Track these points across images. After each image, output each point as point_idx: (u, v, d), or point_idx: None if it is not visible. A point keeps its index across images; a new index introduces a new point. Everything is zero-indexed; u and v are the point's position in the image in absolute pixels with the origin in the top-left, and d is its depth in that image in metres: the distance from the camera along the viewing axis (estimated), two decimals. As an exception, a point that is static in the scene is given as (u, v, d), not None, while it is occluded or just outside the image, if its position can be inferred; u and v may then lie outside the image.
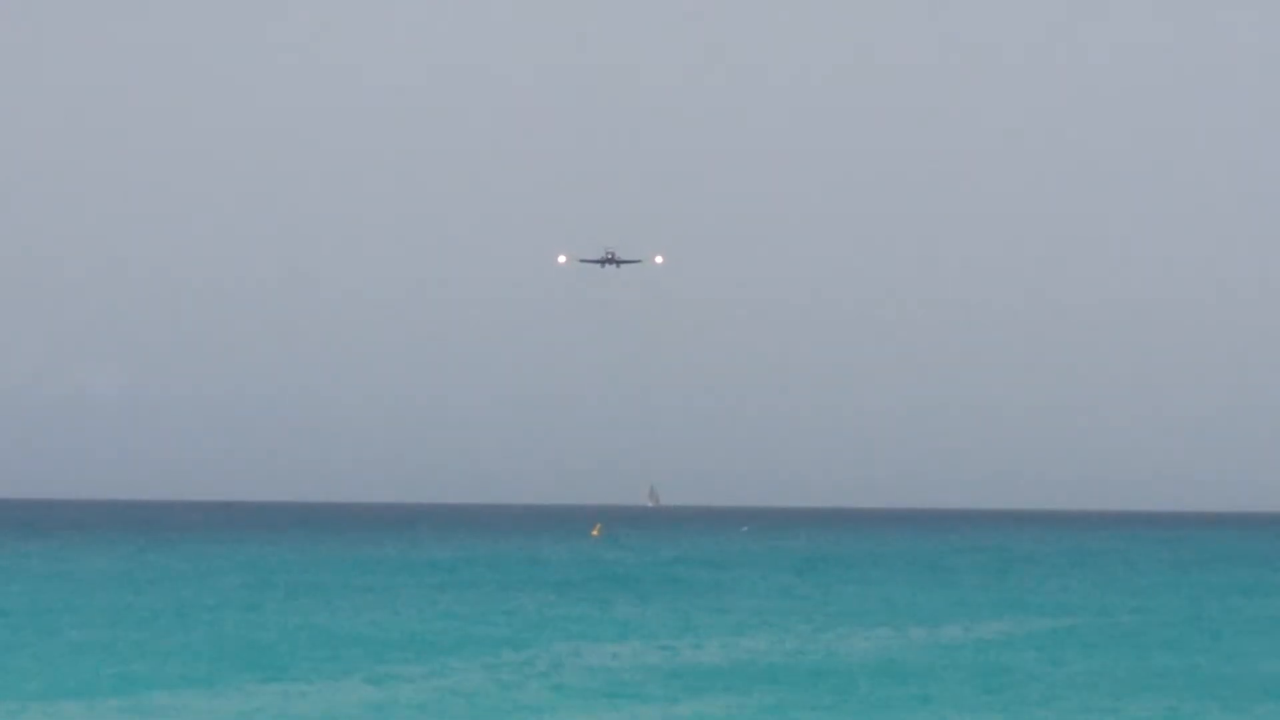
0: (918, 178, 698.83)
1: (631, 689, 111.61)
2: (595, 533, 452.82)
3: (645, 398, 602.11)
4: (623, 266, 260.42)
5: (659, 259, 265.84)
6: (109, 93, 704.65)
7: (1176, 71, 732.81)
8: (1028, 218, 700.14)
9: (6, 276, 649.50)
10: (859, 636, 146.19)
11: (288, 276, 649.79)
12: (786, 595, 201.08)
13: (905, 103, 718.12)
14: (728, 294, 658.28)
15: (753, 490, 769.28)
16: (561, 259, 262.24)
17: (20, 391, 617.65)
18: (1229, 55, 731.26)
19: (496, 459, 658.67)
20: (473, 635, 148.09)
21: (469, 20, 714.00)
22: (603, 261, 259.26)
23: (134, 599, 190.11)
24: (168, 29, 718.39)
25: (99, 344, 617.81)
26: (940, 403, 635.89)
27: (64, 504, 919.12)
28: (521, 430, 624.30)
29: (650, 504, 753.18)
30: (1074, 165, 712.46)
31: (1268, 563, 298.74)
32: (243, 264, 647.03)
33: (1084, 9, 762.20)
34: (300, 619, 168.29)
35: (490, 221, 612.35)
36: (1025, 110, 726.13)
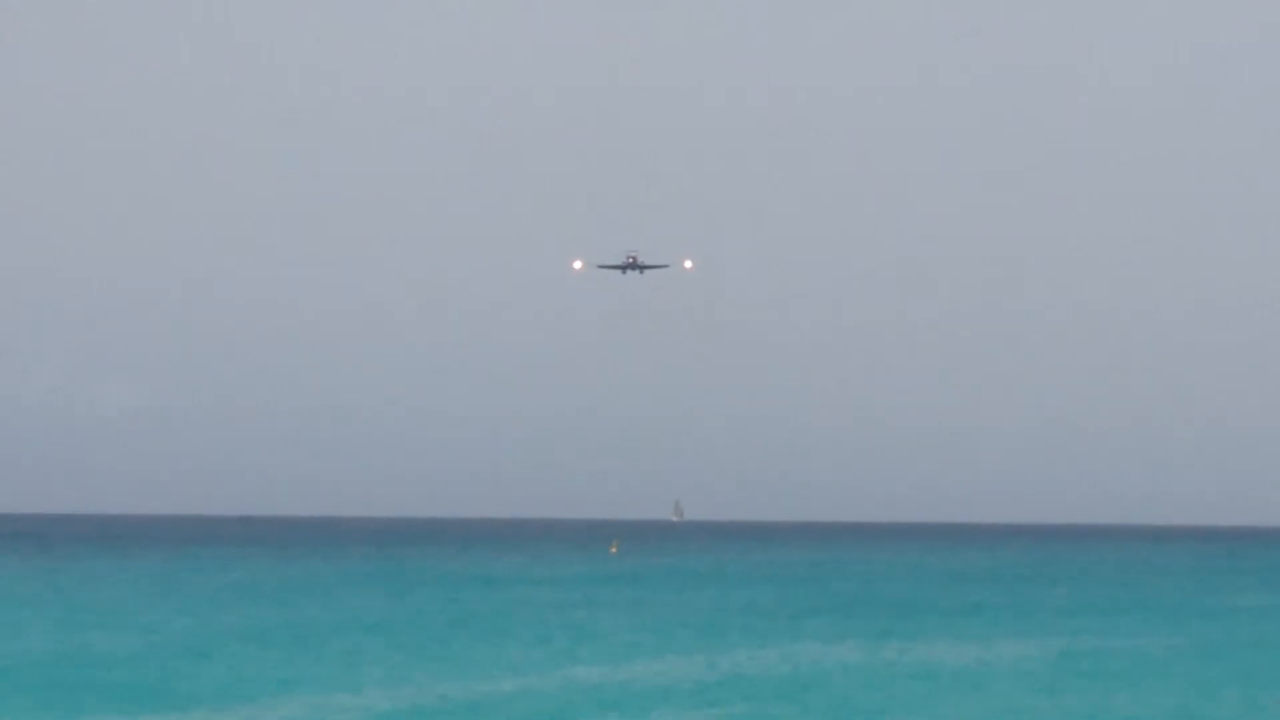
0: (948, 198, 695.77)
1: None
2: (613, 549, 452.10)
3: (671, 412, 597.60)
4: (646, 272, 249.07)
5: (688, 264, 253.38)
6: (129, 115, 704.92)
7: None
8: (1049, 237, 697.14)
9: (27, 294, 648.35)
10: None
11: (305, 291, 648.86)
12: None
13: (939, 124, 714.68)
14: (758, 307, 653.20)
15: (777, 505, 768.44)
16: (577, 265, 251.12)
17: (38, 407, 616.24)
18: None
19: (522, 473, 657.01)
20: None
21: (488, 37, 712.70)
22: (624, 267, 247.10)
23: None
24: (202, 51, 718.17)
25: (120, 361, 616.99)
26: (968, 419, 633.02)
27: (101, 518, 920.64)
28: (546, 445, 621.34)
29: (675, 519, 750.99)
30: (1100, 189, 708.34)
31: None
32: (265, 280, 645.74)
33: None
34: (294, 615, 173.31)
35: (510, 232, 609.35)
36: (1047, 136, 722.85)
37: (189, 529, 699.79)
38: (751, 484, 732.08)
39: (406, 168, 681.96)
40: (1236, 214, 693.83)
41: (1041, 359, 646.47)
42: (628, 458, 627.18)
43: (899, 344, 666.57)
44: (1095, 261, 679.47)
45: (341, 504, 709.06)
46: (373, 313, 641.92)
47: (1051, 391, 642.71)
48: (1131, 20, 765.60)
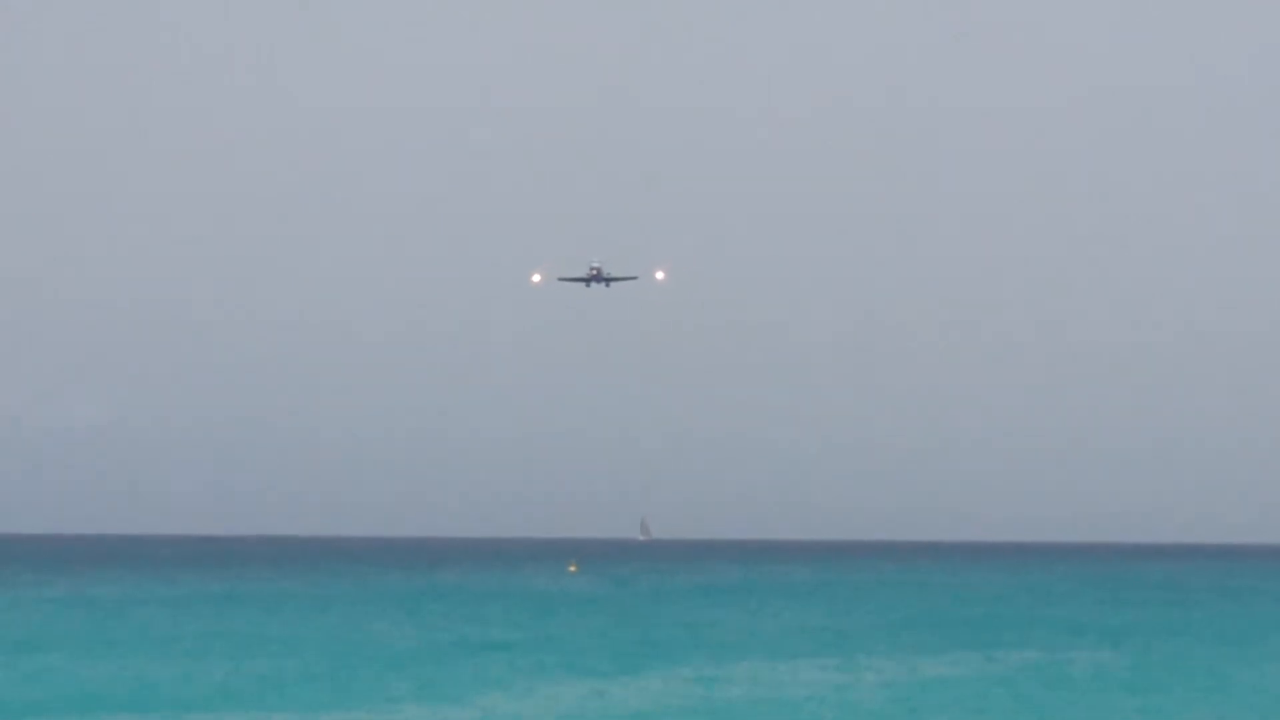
0: (919, 214, 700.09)
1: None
2: (572, 568, 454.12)
3: (638, 431, 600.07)
4: (613, 285, 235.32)
5: (660, 274, 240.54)
6: (117, 130, 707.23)
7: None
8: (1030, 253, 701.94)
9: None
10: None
11: (275, 310, 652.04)
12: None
13: (927, 145, 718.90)
14: (725, 319, 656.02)
15: (744, 524, 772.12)
16: (536, 278, 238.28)
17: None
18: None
19: (490, 493, 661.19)
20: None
21: (452, 58, 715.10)
22: (588, 280, 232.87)
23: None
24: (183, 73, 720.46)
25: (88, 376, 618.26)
26: (936, 437, 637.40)
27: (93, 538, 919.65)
28: (515, 464, 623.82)
29: (642, 538, 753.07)
30: (1081, 211, 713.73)
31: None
32: (241, 301, 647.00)
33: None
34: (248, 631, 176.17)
35: (475, 248, 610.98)
36: (1049, 157, 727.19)
37: (143, 547, 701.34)
38: (719, 503, 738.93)
39: (377, 188, 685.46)
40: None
41: (1006, 376, 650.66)
42: (595, 476, 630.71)
43: (867, 362, 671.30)
44: (1070, 280, 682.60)
45: (306, 523, 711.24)
46: (339, 334, 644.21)
47: (1016, 408, 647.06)
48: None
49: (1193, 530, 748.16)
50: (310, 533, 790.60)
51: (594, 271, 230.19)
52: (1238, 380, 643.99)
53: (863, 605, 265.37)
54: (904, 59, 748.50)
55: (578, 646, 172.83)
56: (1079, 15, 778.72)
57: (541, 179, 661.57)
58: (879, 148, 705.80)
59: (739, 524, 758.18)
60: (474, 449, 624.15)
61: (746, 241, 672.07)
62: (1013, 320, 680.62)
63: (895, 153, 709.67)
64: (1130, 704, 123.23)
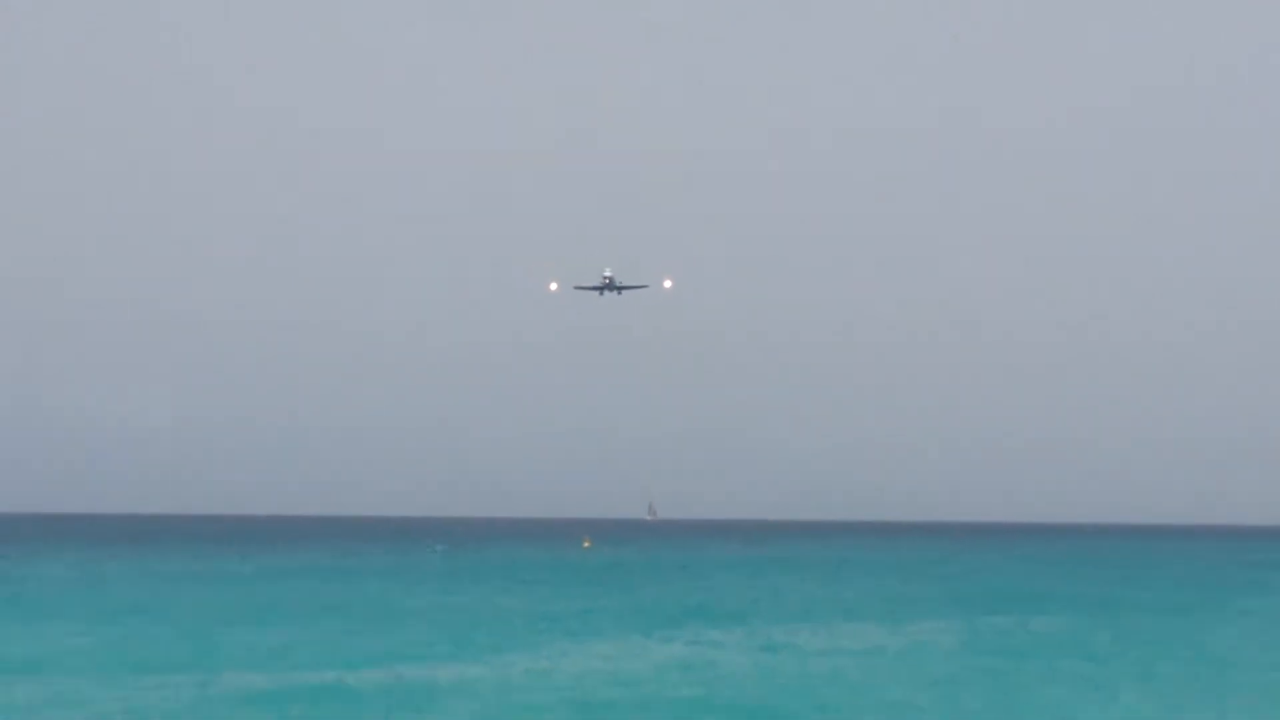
0: (905, 222, 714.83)
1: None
2: (586, 544, 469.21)
3: (645, 423, 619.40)
4: (624, 293, 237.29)
5: (668, 283, 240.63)
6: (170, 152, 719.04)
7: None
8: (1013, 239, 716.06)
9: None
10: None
11: (325, 314, 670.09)
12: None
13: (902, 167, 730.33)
14: (728, 322, 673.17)
15: (741, 506, 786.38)
16: (553, 286, 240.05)
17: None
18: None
19: (515, 478, 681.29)
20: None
21: (480, 95, 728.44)
22: (601, 288, 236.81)
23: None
24: (254, 96, 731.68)
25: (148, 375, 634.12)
26: (919, 430, 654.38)
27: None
28: (536, 452, 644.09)
29: (649, 518, 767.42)
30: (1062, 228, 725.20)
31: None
32: (283, 308, 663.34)
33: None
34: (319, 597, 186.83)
35: (500, 260, 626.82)
36: (1046, 166, 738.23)
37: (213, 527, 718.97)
38: (718, 487, 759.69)
39: (408, 209, 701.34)
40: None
41: (994, 373, 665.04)
42: (607, 463, 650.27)
43: (853, 360, 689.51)
44: (1055, 285, 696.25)
45: (349, 504, 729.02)
46: (374, 334, 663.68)
47: (1000, 403, 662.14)
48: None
49: (1171, 512, 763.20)
50: (363, 513, 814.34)
51: (607, 280, 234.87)
52: (1216, 377, 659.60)
53: (856, 577, 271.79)
54: (901, 74, 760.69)
55: (602, 609, 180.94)
56: (1079, 26, 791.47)
57: (561, 199, 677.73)
58: (868, 169, 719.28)
59: (736, 506, 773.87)
60: (500, 439, 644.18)
61: (748, 253, 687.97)
62: (998, 318, 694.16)
63: (880, 173, 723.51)
64: (1080, 668, 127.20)
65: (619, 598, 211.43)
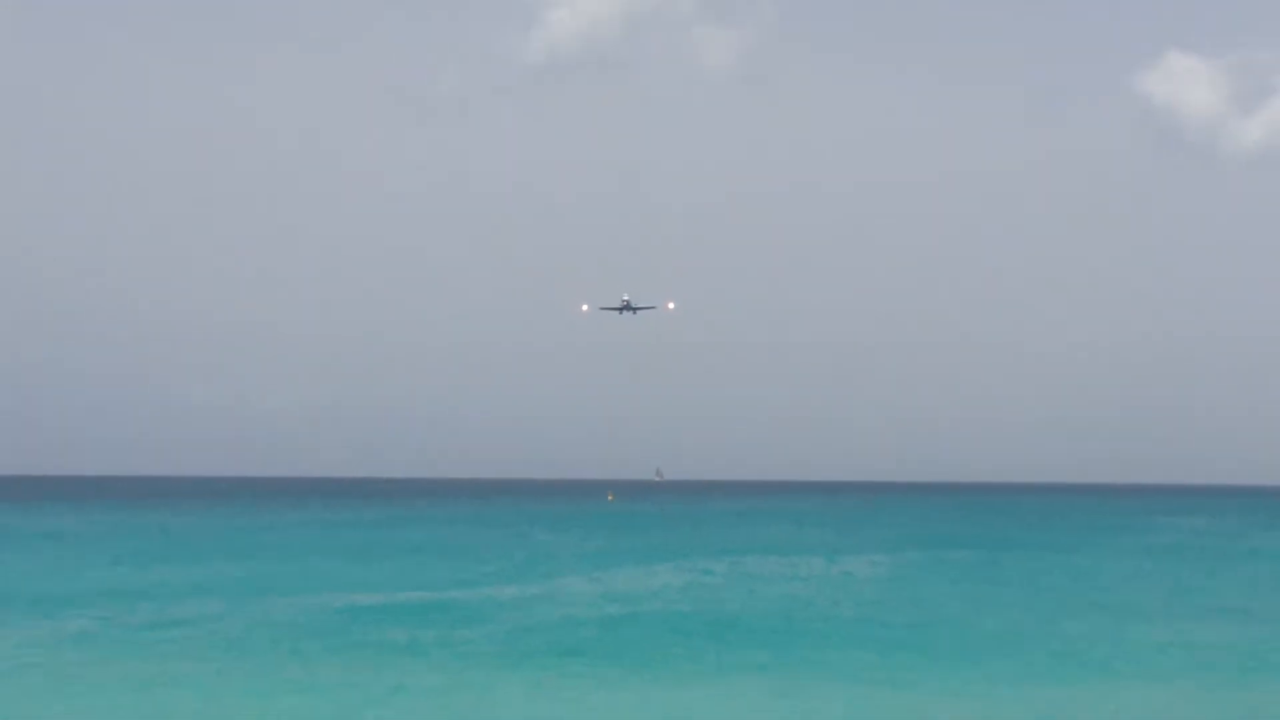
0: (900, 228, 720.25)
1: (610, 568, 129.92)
2: (610, 498, 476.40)
3: (653, 408, 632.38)
4: (639, 313, 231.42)
5: (670, 305, 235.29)
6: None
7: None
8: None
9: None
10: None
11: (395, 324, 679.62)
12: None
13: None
14: (717, 336, 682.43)
15: (732, 469, 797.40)
16: (584, 307, 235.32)
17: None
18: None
19: (553, 448, 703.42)
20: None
21: (528, 152, 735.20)
22: (620, 309, 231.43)
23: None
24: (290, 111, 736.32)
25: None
26: (902, 404, 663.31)
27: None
28: (567, 429, 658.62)
29: (657, 479, 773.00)
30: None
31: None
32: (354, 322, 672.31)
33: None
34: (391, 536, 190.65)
35: (539, 286, 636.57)
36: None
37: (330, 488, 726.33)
38: (712, 455, 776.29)
39: (476, 234, 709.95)
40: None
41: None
42: (623, 436, 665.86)
43: (818, 356, 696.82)
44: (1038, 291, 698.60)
45: (437, 468, 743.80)
46: (448, 336, 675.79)
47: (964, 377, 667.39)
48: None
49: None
50: (428, 475, 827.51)
51: (625, 302, 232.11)
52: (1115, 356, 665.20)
53: (818, 524, 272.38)
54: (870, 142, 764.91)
55: (624, 547, 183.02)
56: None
57: (590, 237, 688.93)
58: (838, 221, 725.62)
59: (726, 469, 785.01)
60: (540, 422, 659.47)
61: (733, 283, 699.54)
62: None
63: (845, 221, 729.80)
64: (980, 589, 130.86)
65: (637, 538, 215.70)
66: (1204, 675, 77.56)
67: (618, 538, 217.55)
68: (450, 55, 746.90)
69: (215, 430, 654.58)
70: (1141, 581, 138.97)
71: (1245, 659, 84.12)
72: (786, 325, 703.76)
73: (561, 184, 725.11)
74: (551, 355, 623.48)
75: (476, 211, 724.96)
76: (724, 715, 63.03)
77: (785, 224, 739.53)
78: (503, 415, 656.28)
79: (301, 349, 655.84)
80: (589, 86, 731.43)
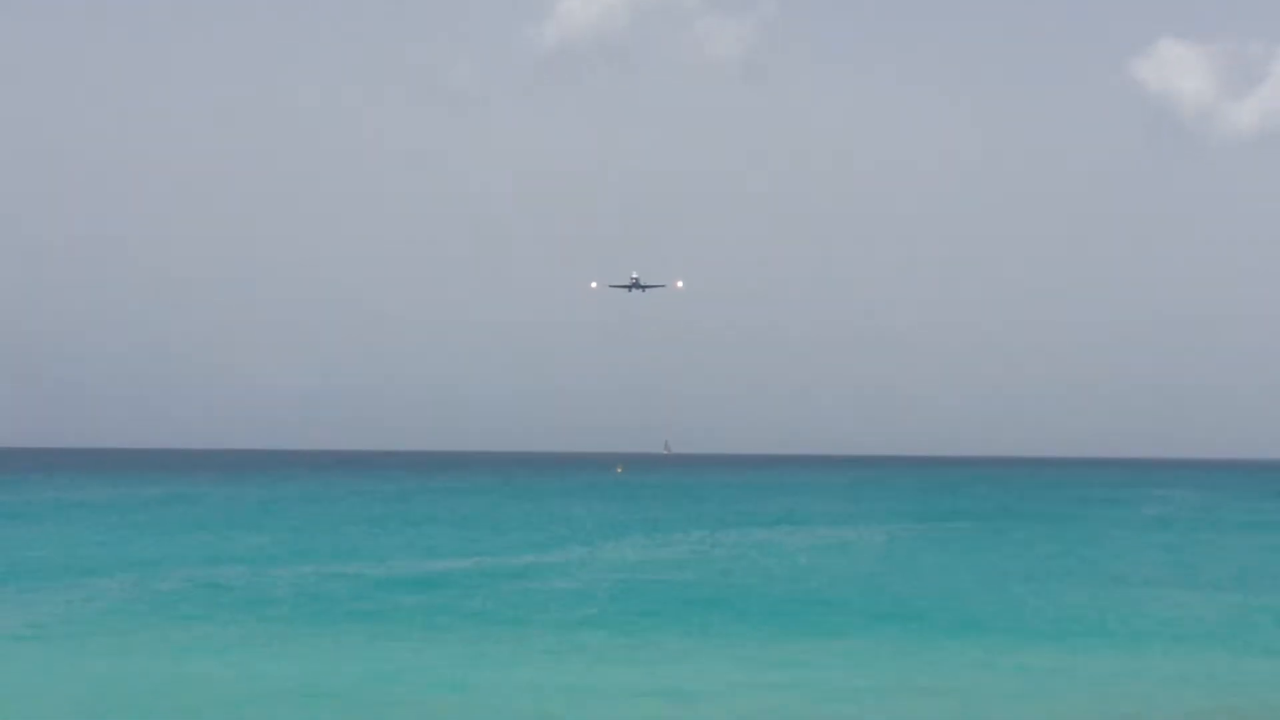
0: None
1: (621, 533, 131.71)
2: (620, 470, 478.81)
3: (661, 381, 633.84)
4: (647, 290, 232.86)
5: (679, 284, 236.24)
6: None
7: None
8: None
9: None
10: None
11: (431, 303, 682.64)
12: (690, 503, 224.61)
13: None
14: (723, 313, 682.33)
15: (736, 443, 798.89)
16: (594, 284, 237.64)
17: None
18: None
19: (562, 419, 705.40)
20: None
21: (545, 142, 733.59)
22: (629, 286, 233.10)
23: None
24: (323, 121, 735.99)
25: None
26: (900, 376, 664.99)
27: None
28: (578, 402, 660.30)
29: (665, 452, 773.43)
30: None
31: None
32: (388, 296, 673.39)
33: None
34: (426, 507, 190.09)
35: (556, 263, 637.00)
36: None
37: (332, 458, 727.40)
38: (717, 429, 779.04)
39: (485, 216, 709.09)
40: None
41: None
42: (632, 409, 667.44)
43: (833, 333, 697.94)
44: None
45: (450, 442, 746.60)
46: (454, 317, 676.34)
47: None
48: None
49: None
50: (443, 449, 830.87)
51: (634, 280, 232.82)
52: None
53: (819, 495, 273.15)
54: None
55: (634, 516, 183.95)
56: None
57: (602, 217, 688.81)
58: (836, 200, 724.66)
59: (731, 443, 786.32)
60: (552, 394, 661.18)
61: (738, 264, 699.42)
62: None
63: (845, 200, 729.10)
64: (976, 556, 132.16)
65: (646, 508, 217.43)
66: (1195, 644, 77.85)
67: (628, 508, 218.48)
68: (464, 44, 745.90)
69: (221, 404, 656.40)
70: (1135, 553, 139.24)
71: (1235, 628, 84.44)
72: (791, 304, 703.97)
73: (571, 169, 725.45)
74: (563, 331, 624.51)
75: (488, 194, 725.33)
76: (727, 684, 63.19)
77: (788, 208, 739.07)
78: (515, 390, 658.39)
79: (314, 326, 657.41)
80: (597, 76, 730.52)
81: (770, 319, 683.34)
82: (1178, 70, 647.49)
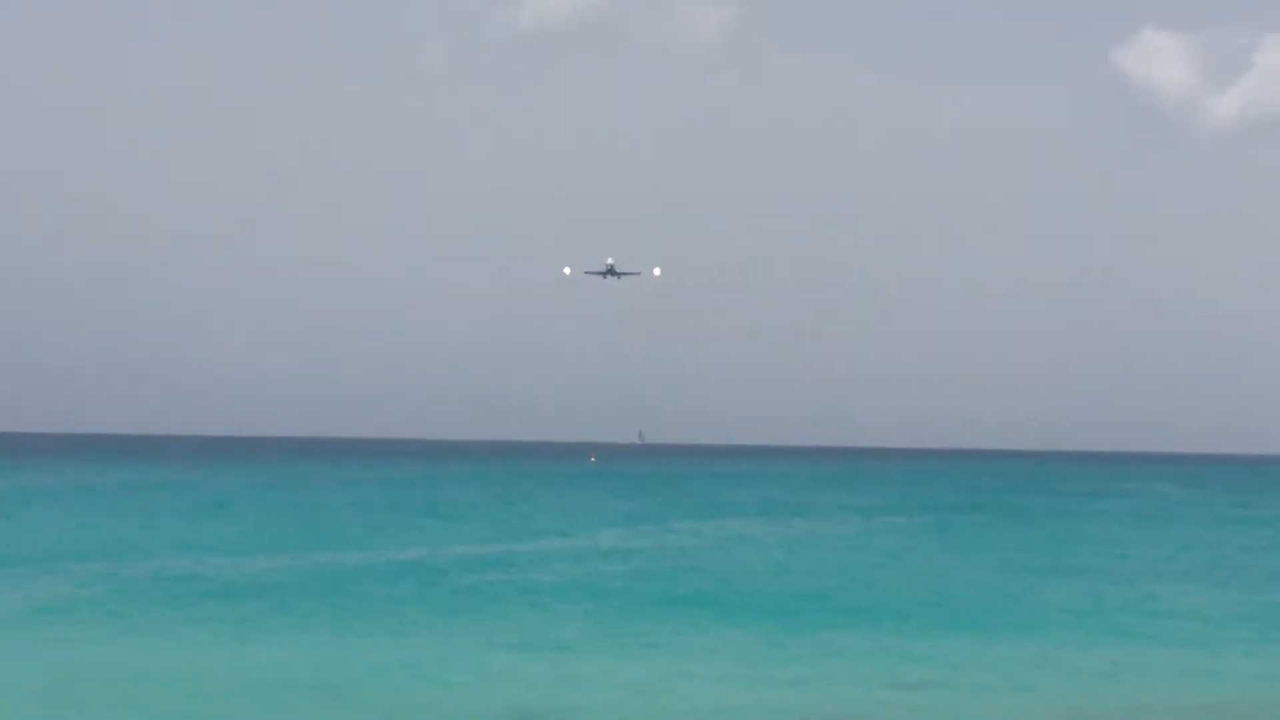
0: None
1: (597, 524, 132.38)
2: (593, 459, 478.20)
3: (636, 369, 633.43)
4: (623, 278, 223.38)
5: (657, 271, 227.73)
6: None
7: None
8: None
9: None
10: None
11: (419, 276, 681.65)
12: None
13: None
14: (701, 301, 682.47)
15: (710, 432, 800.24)
16: (567, 270, 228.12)
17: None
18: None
19: (536, 408, 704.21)
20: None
21: (519, 137, 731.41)
22: (604, 273, 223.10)
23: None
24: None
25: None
26: (866, 367, 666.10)
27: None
28: (551, 390, 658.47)
29: (639, 441, 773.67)
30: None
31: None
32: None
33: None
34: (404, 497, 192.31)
35: (529, 250, 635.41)
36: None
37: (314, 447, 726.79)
38: (693, 416, 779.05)
39: (455, 213, 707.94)
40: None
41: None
42: (605, 398, 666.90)
43: (805, 316, 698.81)
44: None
45: (424, 429, 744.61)
46: (433, 299, 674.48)
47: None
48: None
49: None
50: (414, 436, 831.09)
51: (609, 266, 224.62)
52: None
53: (791, 485, 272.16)
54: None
55: (609, 505, 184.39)
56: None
57: (577, 203, 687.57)
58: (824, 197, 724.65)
59: (705, 433, 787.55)
60: (525, 381, 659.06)
61: (717, 250, 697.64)
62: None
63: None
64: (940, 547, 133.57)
65: (619, 497, 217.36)
66: (1175, 636, 77.96)
67: (603, 496, 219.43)
68: (434, 23, 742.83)
69: (186, 389, 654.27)
70: (1116, 546, 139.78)
71: (1215, 621, 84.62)
72: (770, 292, 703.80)
73: (546, 153, 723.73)
74: (536, 318, 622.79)
75: (461, 177, 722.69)
76: (701, 676, 62.92)
77: (768, 194, 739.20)
78: (487, 377, 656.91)
79: (281, 313, 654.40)
80: (573, 58, 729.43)
81: (748, 307, 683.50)
82: (1160, 61, 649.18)
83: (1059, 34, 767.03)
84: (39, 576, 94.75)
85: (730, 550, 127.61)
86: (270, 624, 75.74)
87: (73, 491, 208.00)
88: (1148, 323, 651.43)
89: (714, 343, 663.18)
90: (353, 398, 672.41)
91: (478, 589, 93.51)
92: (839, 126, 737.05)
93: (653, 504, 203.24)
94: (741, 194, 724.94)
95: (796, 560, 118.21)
